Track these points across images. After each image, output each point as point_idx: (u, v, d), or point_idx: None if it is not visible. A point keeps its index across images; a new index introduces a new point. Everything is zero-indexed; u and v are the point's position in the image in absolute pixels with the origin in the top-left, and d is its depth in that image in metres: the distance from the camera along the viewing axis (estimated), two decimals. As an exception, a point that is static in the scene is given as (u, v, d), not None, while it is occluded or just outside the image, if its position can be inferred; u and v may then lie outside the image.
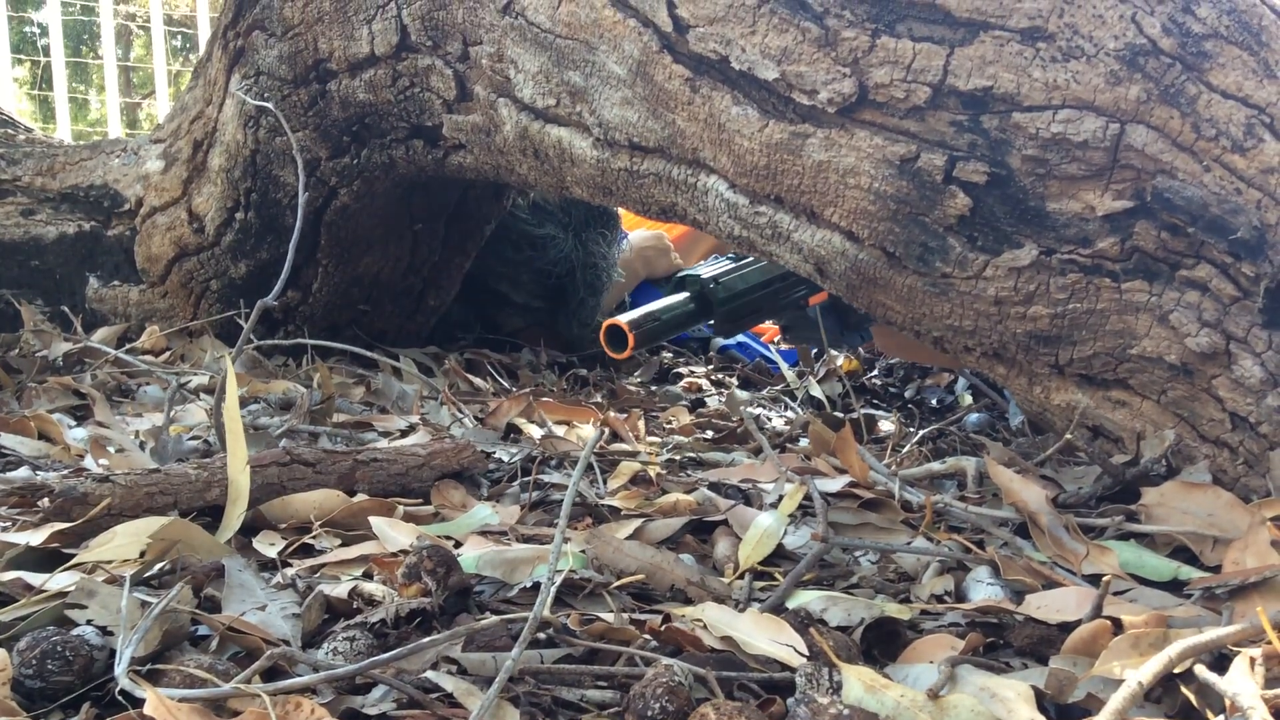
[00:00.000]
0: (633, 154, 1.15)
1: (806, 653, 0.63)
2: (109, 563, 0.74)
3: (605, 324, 1.24)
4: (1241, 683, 0.56)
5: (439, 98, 1.32)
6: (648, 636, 0.66)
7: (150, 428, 1.17)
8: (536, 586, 0.74)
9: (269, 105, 1.36)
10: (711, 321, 1.43)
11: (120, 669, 0.56)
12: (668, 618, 0.68)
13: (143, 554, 0.74)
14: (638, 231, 2.33)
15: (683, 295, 1.37)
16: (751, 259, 1.43)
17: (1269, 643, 0.60)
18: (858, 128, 0.98)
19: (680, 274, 1.40)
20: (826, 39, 0.97)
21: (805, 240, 1.05)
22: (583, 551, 0.81)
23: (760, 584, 0.79)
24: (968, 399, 1.78)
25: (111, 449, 1.05)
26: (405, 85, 1.35)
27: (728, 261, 1.45)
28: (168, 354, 1.62)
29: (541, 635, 0.65)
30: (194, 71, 1.69)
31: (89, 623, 0.63)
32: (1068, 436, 0.98)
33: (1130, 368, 0.94)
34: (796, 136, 1.00)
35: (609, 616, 0.69)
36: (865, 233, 1.00)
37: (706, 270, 1.41)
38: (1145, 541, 0.86)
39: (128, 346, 1.61)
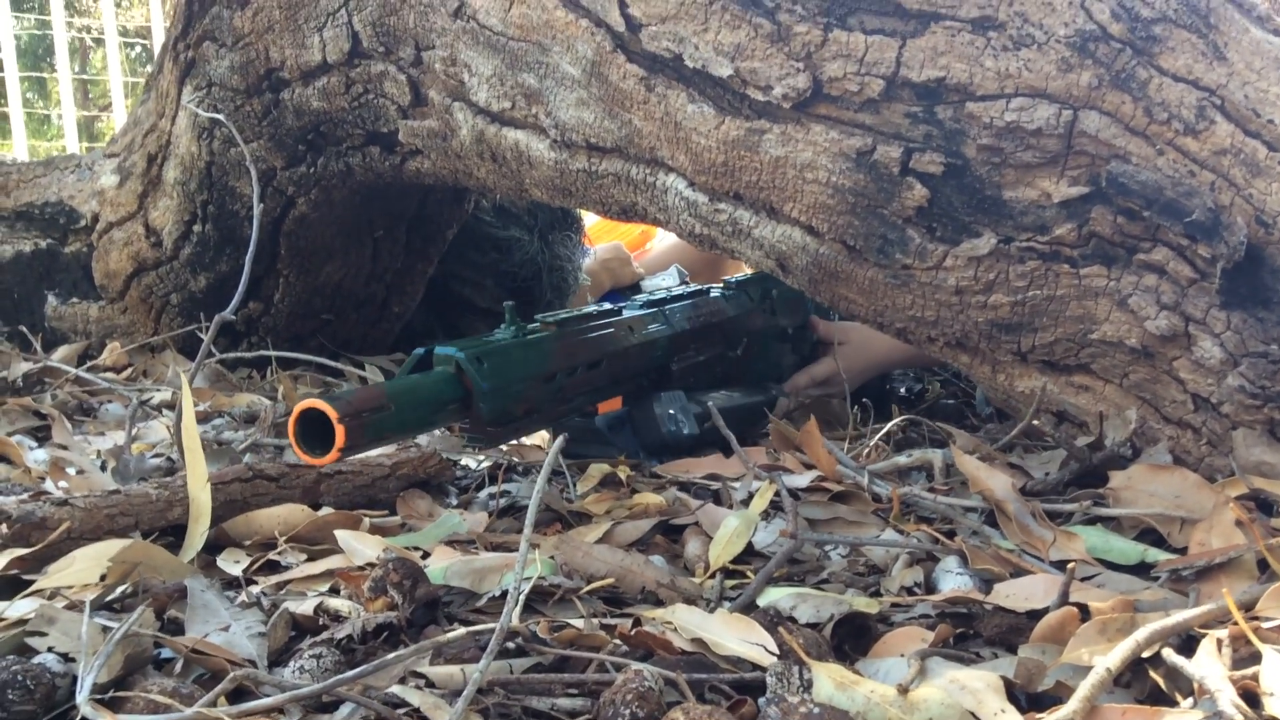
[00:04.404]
0: (590, 154, 1.14)
1: (777, 651, 0.63)
2: (69, 588, 0.73)
3: (300, 408, 0.78)
4: (1209, 665, 0.57)
5: (394, 103, 1.31)
6: (618, 641, 0.65)
7: (112, 447, 1.15)
8: (505, 595, 0.73)
9: (220, 116, 1.35)
10: (467, 423, 0.94)
11: (82, 696, 0.55)
12: (638, 621, 0.67)
13: (103, 578, 0.73)
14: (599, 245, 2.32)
15: (428, 375, 0.92)
16: (531, 332, 1.02)
17: (1235, 623, 0.61)
18: (813, 122, 0.98)
19: (425, 348, 0.94)
20: (779, 34, 0.96)
21: (766, 236, 1.05)
22: (551, 558, 0.80)
23: (731, 583, 0.79)
24: (937, 388, 1.79)
25: (71, 470, 1.04)
26: (359, 92, 1.33)
27: (502, 335, 1.00)
28: (129, 370, 1.60)
29: (510, 645, 0.65)
30: (146, 84, 1.67)
31: (50, 650, 0.62)
32: (1027, 421, 0.99)
33: (1092, 352, 0.95)
34: (753, 133, 1.00)
35: (579, 622, 0.69)
36: (825, 227, 1.00)
37: (469, 345, 0.94)
38: (1112, 525, 0.86)
39: (89, 364, 1.59)
